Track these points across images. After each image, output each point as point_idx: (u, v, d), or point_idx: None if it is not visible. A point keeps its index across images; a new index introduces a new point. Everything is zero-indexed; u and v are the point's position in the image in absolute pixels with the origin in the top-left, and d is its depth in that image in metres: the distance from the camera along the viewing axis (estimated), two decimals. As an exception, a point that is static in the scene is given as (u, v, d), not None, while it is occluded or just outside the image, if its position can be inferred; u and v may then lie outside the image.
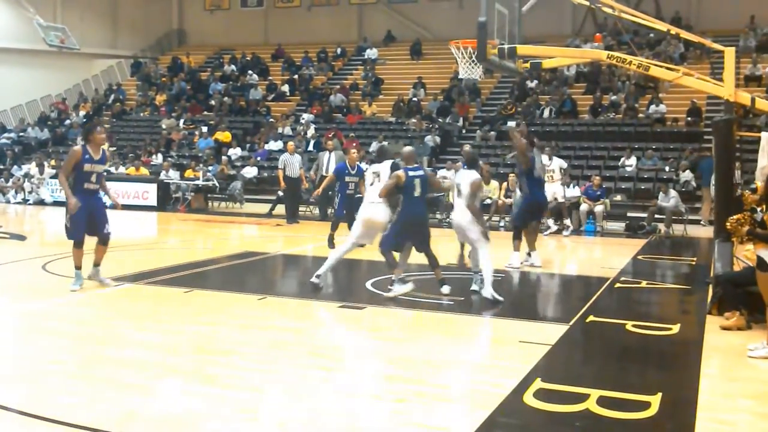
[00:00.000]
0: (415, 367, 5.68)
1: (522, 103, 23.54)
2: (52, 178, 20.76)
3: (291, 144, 17.64)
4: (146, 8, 34.02)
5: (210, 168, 21.09)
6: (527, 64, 11.84)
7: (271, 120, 25.38)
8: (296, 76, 28.57)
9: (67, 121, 28.10)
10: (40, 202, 20.49)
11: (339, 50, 30.20)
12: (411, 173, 8.26)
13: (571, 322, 7.28)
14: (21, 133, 27.35)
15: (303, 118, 24.79)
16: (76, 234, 8.41)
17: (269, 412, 4.74)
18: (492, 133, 22.25)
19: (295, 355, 5.91)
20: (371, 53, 29.27)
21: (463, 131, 23.41)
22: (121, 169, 21.51)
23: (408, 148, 8.95)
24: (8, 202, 21.01)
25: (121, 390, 5.01)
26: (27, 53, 30.90)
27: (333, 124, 24.25)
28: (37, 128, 27.73)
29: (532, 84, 24.39)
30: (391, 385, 5.18)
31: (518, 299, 9.46)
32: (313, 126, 23.98)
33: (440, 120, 23.51)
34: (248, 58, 30.48)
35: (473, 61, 11.94)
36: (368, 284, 9.07)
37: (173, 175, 20.70)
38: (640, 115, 21.80)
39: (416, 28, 30.51)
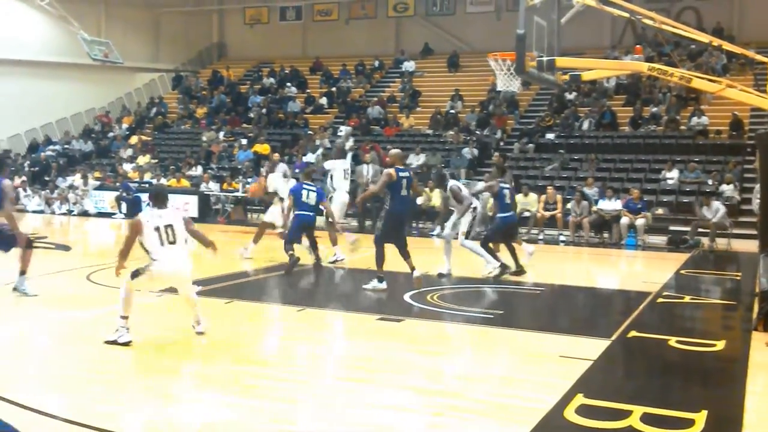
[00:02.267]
0: (452, 381, 5.65)
1: (560, 115, 23.37)
2: (95, 189, 21.17)
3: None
4: (187, 23, 34.59)
5: (249, 180, 21.29)
6: (566, 76, 11.76)
7: (309, 132, 25.55)
8: (334, 89, 28.76)
9: (111, 134, 28.64)
10: (84, 213, 20.88)
11: (376, 63, 30.34)
12: (401, 173, 9.27)
13: (613, 338, 7.18)
14: (66, 146, 27.95)
15: (341, 130, 24.92)
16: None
17: (305, 424, 4.75)
18: (530, 145, 22.12)
19: (332, 367, 5.93)
20: (408, 66, 29.35)
21: (501, 143, 23.31)
22: (163, 181, 21.84)
23: (395, 150, 10.13)
24: (53, 213, 21.44)
25: (160, 399, 5.07)
26: (72, 67, 31.59)
27: (370, 136, 24.33)
28: (81, 140, 28.30)
29: (570, 96, 24.21)
30: (427, 399, 5.15)
31: (558, 313, 9.36)
32: (352, 138, 24.09)
33: (478, 132, 23.45)
34: (287, 71, 30.79)
35: (511, 74, 11.89)
36: (406, 297, 9.05)
37: (213, 187, 20.95)
38: (682, 127, 21.48)
39: (453, 40, 30.53)
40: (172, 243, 6.41)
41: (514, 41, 9.49)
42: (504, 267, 10.77)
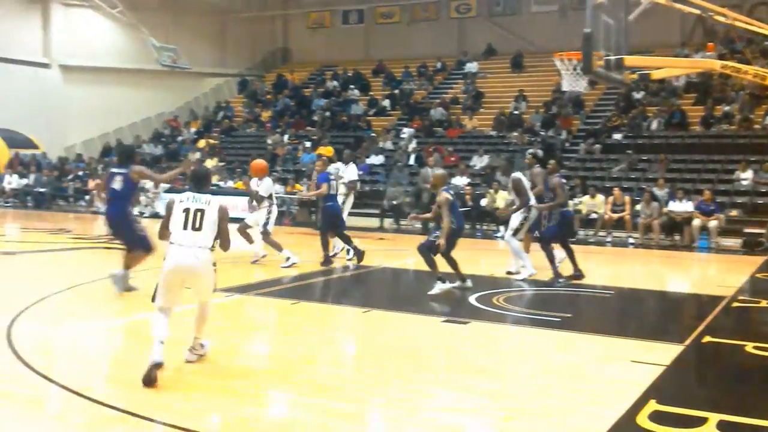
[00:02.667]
0: (522, 384, 5.60)
1: (628, 114, 22.91)
2: (165, 192, 21.68)
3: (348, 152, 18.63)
4: (252, 28, 35.18)
5: (311, 182, 21.51)
6: (635, 75, 11.53)
7: (372, 134, 25.69)
8: (397, 91, 28.83)
9: (179, 138, 29.34)
10: (155, 215, 21.41)
11: (439, 64, 30.29)
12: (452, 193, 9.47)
13: (686, 343, 7.00)
14: (137, 149, 28.74)
15: (404, 133, 24.99)
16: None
17: (377, 425, 4.78)
18: (597, 146, 21.75)
19: (401, 369, 5.94)
20: (471, 67, 29.21)
21: (567, 144, 22.99)
22: (230, 183, 22.27)
23: (440, 172, 9.98)
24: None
25: (235, 399, 5.17)
26: (142, 73, 32.50)
27: (433, 138, 24.31)
28: (151, 144, 29.08)
29: (638, 95, 23.71)
30: (497, 402, 5.12)
31: (628, 317, 9.18)
32: (414, 140, 24.14)
33: (542, 133, 23.18)
34: (350, 74, 31.01)
35: (577, 73, 11.73)
36: (472, 299, 9.01)
37: (278, 189, 21.25)
38: (756, 126, 20.79)
39: (517, 40, 30.25)
40: (197, 230, 5.67)
41: (579, 40, 9.34)
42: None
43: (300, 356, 6.30)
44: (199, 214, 5.68)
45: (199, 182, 5.94)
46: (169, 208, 5.81)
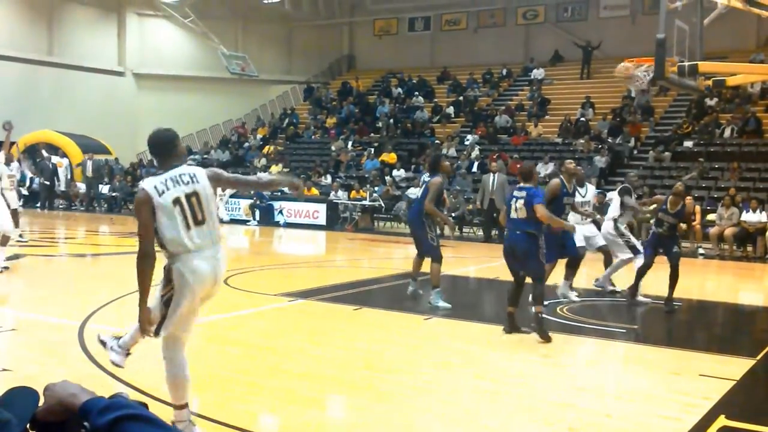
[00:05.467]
0: (586, 396, 5.51)
1: (699, 121, 22.29)
2: (231, 197, 22.12)
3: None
4: (319, 36, 35.61)
5: (376, 188, 21.63)
6: (709, 82, 11.23)
7: (436, 141, 25.67)
8: (461, 98, 28.75)
9: (246, 144, 29.89)
10: (219, 220, 21.88)
11: (504, 71, 30.08)
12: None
13: (758, 357, 6.77)
14: (205, 155, 29.39)
15: (468, 140, 24.89)
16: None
17: (438, 433, 4.77)
18: (666, 153, 21.23)
19: (463, 377, 5.91)
20: (538, 73, 28.91)
21: (635, 152, 22.51)
22: (295, 189, 22.54)
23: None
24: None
25: (298, 402, 5.23)
26: (211, 81, 33.27)
27: (498, 145, 24.14)
28: (219, 150, 29.70)
29: (711, 102, 23.05)
30: (562, 413, 5.05)
31: (697, 330, 8.92)
32: (477, 147, 24.03)
33: (610, 140, 22.76)
34: (414, 81, 31.07)
35: (648, 79, 11.47)
36: (534, 309, 8.89)
37: (341, 195, 21.44)
38: (836, 133, 19.99)
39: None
40: (201, 223, 4.15)
41: (649, 46, 9.18)
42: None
43: (360, 362, 6.33)
44: (193, 199, 4.13)
45: (163, 151, 4.28)
46: (144, 206, 4.08)
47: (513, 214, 7.44)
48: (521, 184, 7.57)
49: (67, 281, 10.81)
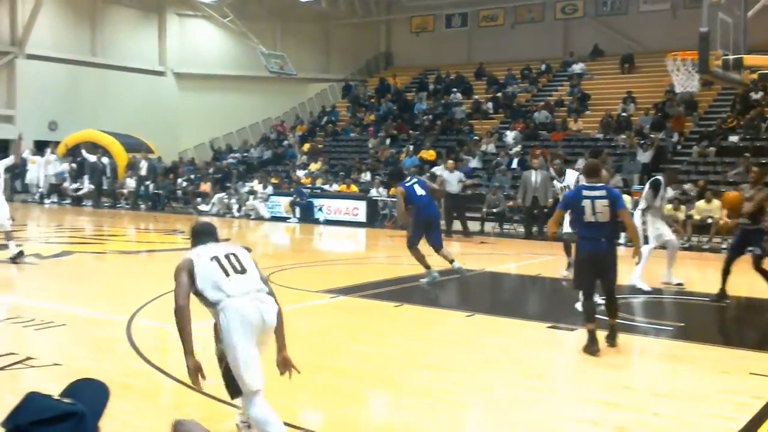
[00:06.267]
0: (634, 395, 5.43)
1: (745, 116, 21.83)
2: (272, 195, 22.29)
3: (450, 162, 19.27)
4: (356, 34, 35.69)
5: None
6: (754, 75, 10.97)
7: (475, 138, 25.55)
8: (499, 94, 28.57)
9: (285, 142, 30.09)
10: (260, 218, 22.05)
11: (543, 66, 29.80)
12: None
13: (811, 356, 6.62)
14: (245, 153, 29.68)
15: (507, 136, 24.74)
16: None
17: (479, 430, 4.75)
18: (711, 148, 20.84)
19: (507, 374, 5.88)
20: (577, 68, 28.59)
21: (678, 147, 22.13)
22: (334, 186, 22.67)
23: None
24: (233, 216, 22.77)
25: (340, 398, 5.26)
26: (251, 80, 33.57)
27: (537, 141, 23.94)
28: (259, 148, 29.96)
29: (756, 95, 22.55)
30: (608, 413, 4.99)
31: (747, 328, 8.75)
32: (518, 144, 23.87)
33: (652, 135, 22.41)
34: (452, 78, 30.96)
35: (688, 71, 11.27)
36: (578, 305, 8.81)
37: (381, 192, 21.46)
38: None
39: (626, 40, 29.39)
40: (242, 272, 4.30)
41: (691, 40, 9.01)
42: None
43: (403, 359, 6.33)
44: (231, 256, 4.35)
45: (204, 236, 4.60)
46: (184, 271, 4.33)
47: (591, 218, 6.52)
48: (591, 182, 6.75)
49: (114, 278, 11.01)
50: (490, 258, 14.44)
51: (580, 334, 7.17)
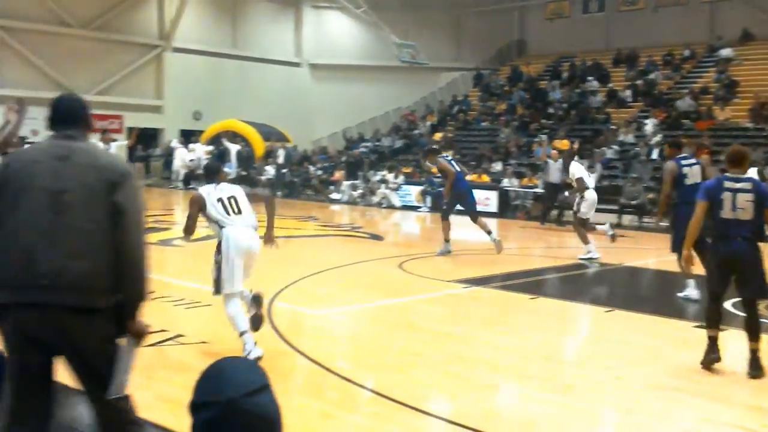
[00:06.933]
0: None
1: None
2: (404, 184, 22.46)
3: (554, 151, 19.15)
4: (488, 21, 35.24)
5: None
6: None
7: (612, 127, 24.66)
8: (639, 82, 27.40)
9: (416, 131, 30.22)
10: (391, 207, 22.26)
11: (687, 52, 28.30)
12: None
13: None
14: (376, 143, 30.05)
15: (647, 125, 23.71)
16: None
17: (613, 428, 4.58)
18: None
19: (651, 374, 5.63)
20: (725, 53, 26.94)
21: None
22: (467, 177, 22.53)
23: None
24: (368, 205, 23.12)
25: (478, 390, 5.22)
26: (383, 69, 33.92)
27: (681, 130, 22.80)
28: (390, 138, 30.25)
29: None
30: (760, 417, 4.68)
31: None
32: (660, 133, 22.84)
33: (809, 124, 20.84)
34: (588, 65, 30.00)
35: None
36: (728, 304, 8.31)
37: (513, 183, 21.14)
38: None
39: (780, 22, 27.43)
40: (238, 213, 5.96)
41: None
42: None
43: (540, 352, 6.20)
44: (233, 200, 5.96)
45: (214, 175, 6.14)
46: (198, 203, 5.93)
47: (730, 214, 5.66)
48: (735, 173, 5.84)
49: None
50: (626, 252, 13.91)
51: (729, 335, 6.76)
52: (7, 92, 28.12)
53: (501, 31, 35.55)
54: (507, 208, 20.33)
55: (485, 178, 21.93)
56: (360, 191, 23.42)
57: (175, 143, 27.57)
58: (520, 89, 30.09)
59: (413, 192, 22.09)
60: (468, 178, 22.05)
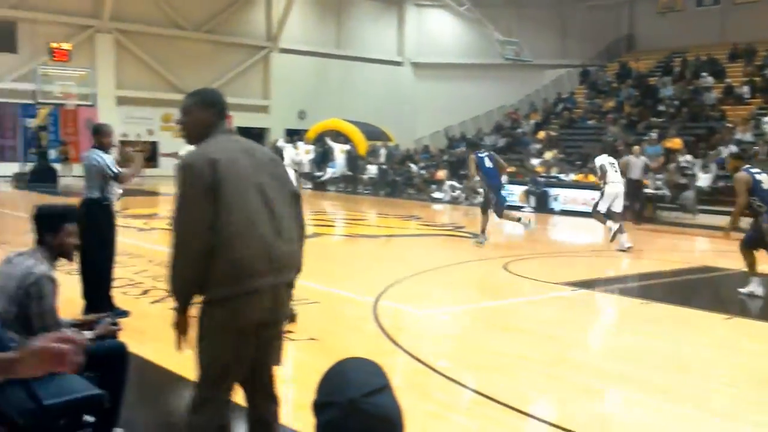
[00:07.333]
0: None
1: None
2: (508, 184, 22.14)
3: (637, 147, 18.83)
4: (595, 16, 34.35)
5: (659, 176, 20.37)
6: None
7: (727, 125, 23.52)
8: (757, 78, 26.01)
9: (519, 129, 29.79)
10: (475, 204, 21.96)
11: (812, 44, 26.70)
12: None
13: None
14: (480, 141, 29.79)
15: (765, 123, 22.49)
16: None
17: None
18: None
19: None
20: None
21: None
22: (570, 176, 22.06)
23: None
24: (470, 204, 22.95)
25: (586, 394, 5.08)
26: (485, 67, 33.66)
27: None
28: (492, 136, 29.92)
29: None
30: None
31: None
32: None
33: None
34: (702, 60, 28.73)
35: None
36: (746, 289, 7.82)
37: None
38: None
39: None
40: None
41: None
42: None
43: (653, 359, 5.95)
44: None
45: None
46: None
47: None
48: None
49: (358, 260, 11.58)
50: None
51: None
52: (125, 93, 29.63)
53: (609, 26, 34.58)
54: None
55: (591, 178, 21.34)
56: (458, 192, 23.25)
57: (281, 142, 28.22)
58: (629, 86, 29.16)
59: (516, 192, 21.76)
60: (573, 177, 21.69)
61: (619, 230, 12.37)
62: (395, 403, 1.55)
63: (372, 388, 1.53)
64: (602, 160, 12.96)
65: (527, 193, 21.26)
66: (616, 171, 12.87)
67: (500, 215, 12.78)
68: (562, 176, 22.22)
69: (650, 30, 33.30)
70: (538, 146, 26.51)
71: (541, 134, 27.69)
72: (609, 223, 12.73)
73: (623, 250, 12.08)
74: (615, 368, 5.69)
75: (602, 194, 12.70)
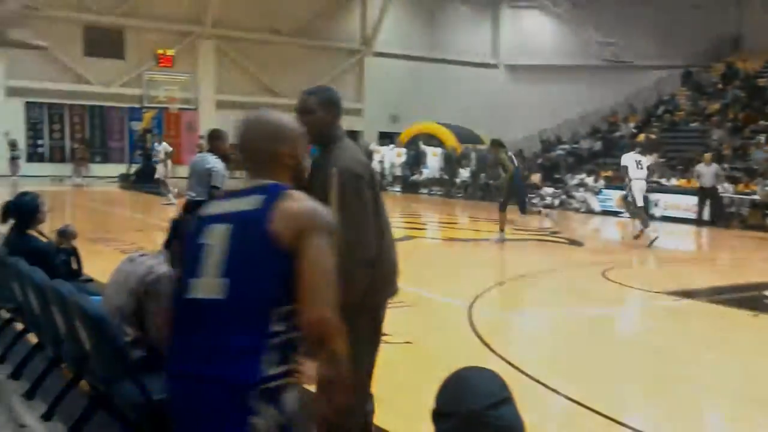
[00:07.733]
0: None
1: None
2: (604, 188, 21.60)
3: (708, 155, 18.53)
4: (699, 16, 33.03)
5: (767, 182, 19.39)
6: None
7: None
8: None
9: (617, 133, 28.96)
10: (590, 211, 21.48)
11: None
12: None
13: None
14: (574, 145, 29.17)
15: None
16: None
17: None
18: None
19: None
20: None
21: None
22: (672, 181, 21.30)
23: None
24: (566, 209, 22.45)
25: (699, 412, 4.85)
26: (582, 69, 32.90)
27: None
28: (588, 139, 29.22)
29: None
30: None
31: None
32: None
33: None
34: (817, 60, 27.23)
35: None
36: None
37: (726, 188, 19.61)
38: None
39: None
40: None
41: None
42: None
43: (761, 375, 5.64)
44: None
45: None
46: None
47: None
48: None
49: (449, 264, 11.50)
50: None
51: None
52: (224, 97, 30.55)
53: (714, 25, 33.19)
54: (720, 216, 18.87)
55: (694, 183, 20.52)
56: (552, 196, 22.79)
57: (373, 146, 28.43)
58: (735, 87, 27.90)
59: (614, 196, 21.14)
60: (675, 183, 20.90)
61: (644, 224, 13.15)
62: (518, 417, 1.50)
63: (494, 399, 1.49)
64: (627, 159, 13.61)
65: (625, 198, 20.61)
66: (640, 168, 13.45)
67: (524, 212, 13.66)
68: (663, 181, 21.45)
69: (759, 29, 31.75)
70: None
71: (641, 137, 26.84)
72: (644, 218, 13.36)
73: (652, 242, 12.67)
74: (725, 384, 5.42)
75: (631, 191, 13.42)
